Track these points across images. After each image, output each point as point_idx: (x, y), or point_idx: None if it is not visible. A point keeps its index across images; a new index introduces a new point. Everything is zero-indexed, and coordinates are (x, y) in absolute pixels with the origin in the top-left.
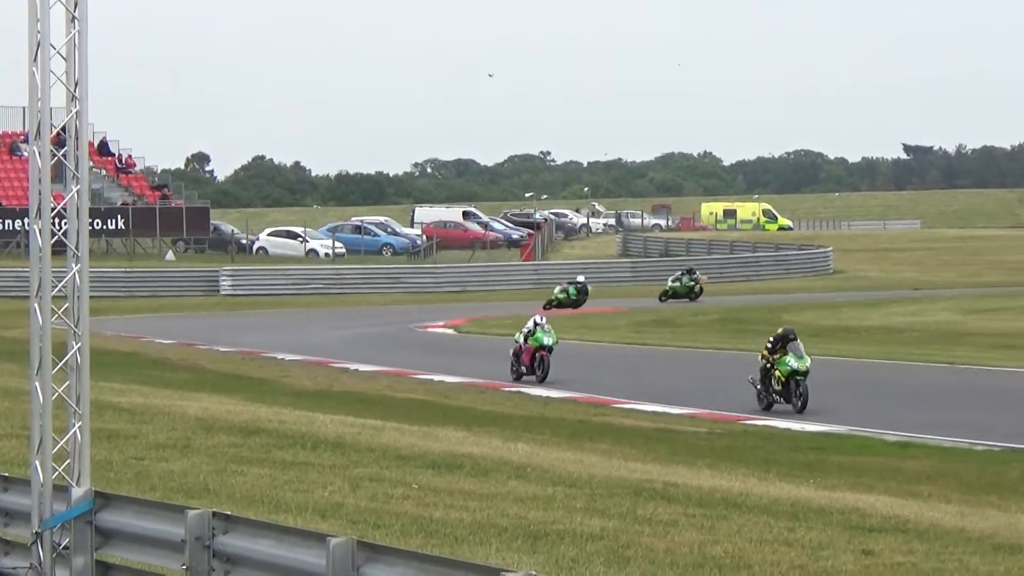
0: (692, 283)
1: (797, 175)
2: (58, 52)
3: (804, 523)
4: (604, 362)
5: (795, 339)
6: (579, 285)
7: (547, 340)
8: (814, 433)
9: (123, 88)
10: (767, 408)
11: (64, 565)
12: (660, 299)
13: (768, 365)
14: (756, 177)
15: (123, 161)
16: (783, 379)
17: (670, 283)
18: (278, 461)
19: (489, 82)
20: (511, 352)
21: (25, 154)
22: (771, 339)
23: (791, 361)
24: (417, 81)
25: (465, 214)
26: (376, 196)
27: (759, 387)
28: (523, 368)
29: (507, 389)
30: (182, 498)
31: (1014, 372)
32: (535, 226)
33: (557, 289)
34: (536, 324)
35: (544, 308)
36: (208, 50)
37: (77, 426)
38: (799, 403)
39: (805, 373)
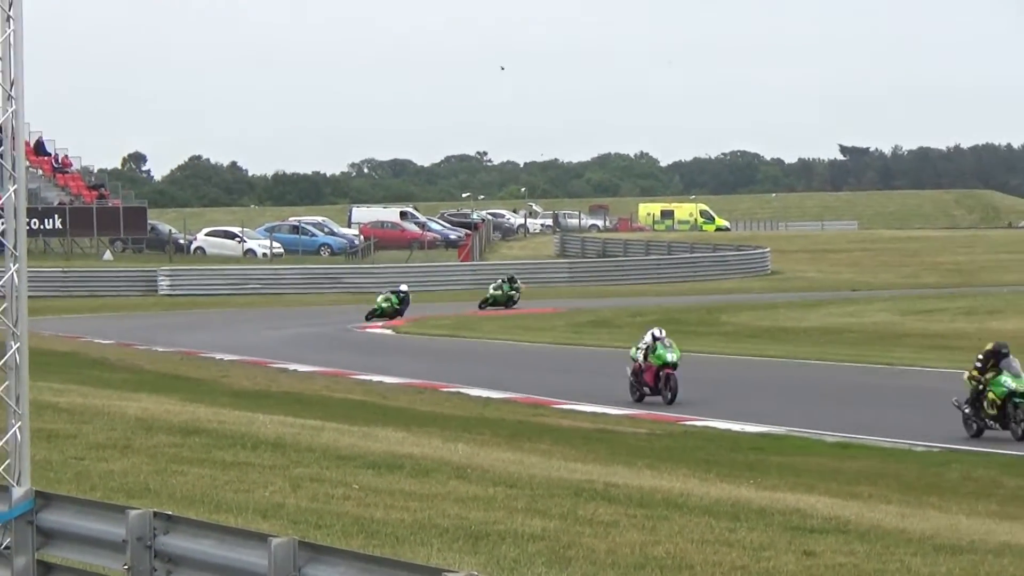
0: (513, 291)
1: (734, 176)
2: None
3: (745, 524)
4: (544, 362)
5: (1008, 354)
6: (401, 294)
7: (671, 356)
8: (753, 434)
9: (59, 88)
10: (977, 435)
11: (5, 565)
12: (480, 307)
13: (980, 387)
14: (693, 178)
15: (59, 161)
16: (998, 402)
17: (491, 291)
18: (218, 461)
19: (423, 82)
20: (629, 371)
21: None
22: (980, 356)
23: (1008, 381)
24: (353, 81)
25: (402, 214)
26: (313, 196)
27: (966, 410)
28: (646, 388)
29: (446, 389)
30: (123, 498)
31: (951, 373)
32: (472, 226)
33: (381, 298)
34: (655, 339)
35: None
36: (143, 49)
37: (17, 426)
38: (1021, 429)
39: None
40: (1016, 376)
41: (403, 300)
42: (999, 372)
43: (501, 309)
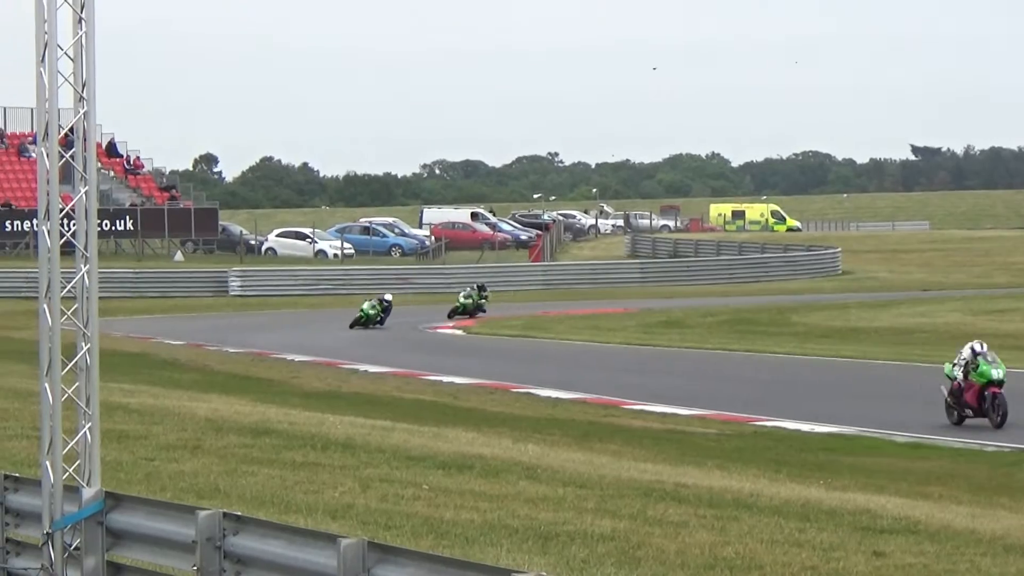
0: (482, 300)
1: (805, 176)
2: (65, 53)
3: (815, 524)
4: (614, 363)
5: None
6: (385, 303)
7: (996, 373)
8: (824, 434)
9: (131, 89)
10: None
11: (75, 566)
12: (449, 317)
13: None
14: (764, 178)
15: (131, 162)
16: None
17: (461, 299)
18: (288, 462)
19: (495, 83)
20: (945, 391)
21: (33, 155)
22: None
23: (988, 370)
24: (425, 82)
25: (473, 215)
26: (384, 197)
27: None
28: (968, 411)
29: (516, 390)
30: (193, 499)
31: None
32: (543, 227)
33: (367, 305)
34: (976, 353)
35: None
36: (215, 51)
37: (87, 427)
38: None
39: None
40: (994, 367)
41: (386, 309)
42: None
43: (466, 319)
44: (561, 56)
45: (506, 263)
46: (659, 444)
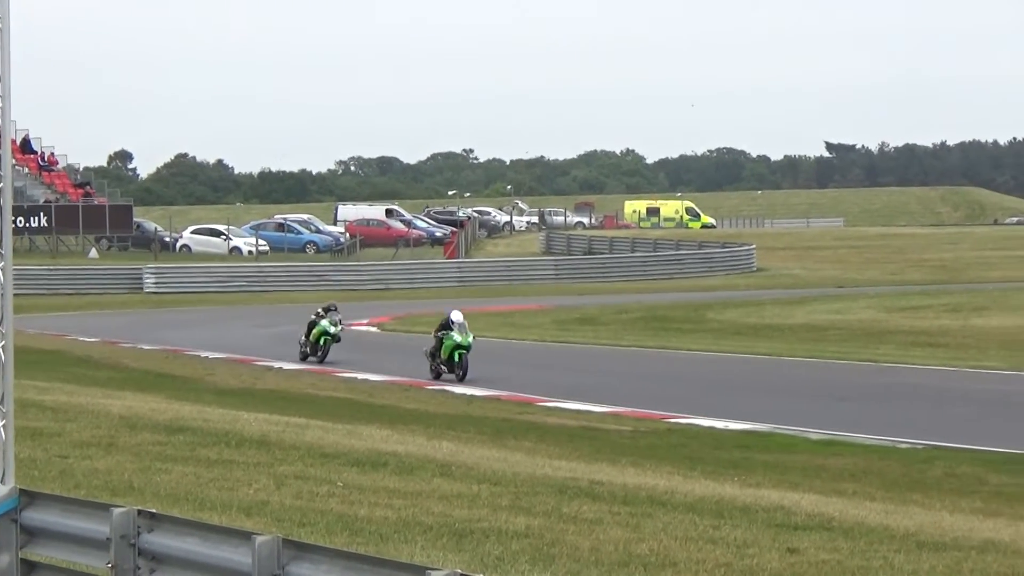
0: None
1: (720, 173)
2: None
3: (729, 521)
4: (528, 360)
5: (457, 322)
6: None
7: (461, 339)
8: (738, 431)
9: (45, 86)
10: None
11: None
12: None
13: (439, 342)
14: (679, 175)
15: (45, 159)
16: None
17: (326, 326)
18: (203, 459)
19: (410, 80)
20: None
21: None
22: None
23: (455, 336)
24: (340, 79)
25: (388, 212)
26: (299, 194)
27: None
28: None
29: (431, 387)
30: (107, 496)
31: (936, 370)
32: (458, 224)
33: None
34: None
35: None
36: (130, 47)
37: (1, 424)
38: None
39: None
40: (461, 334)
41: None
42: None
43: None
44: (477, 52)
45: (421, 260)
46: (573, 441)
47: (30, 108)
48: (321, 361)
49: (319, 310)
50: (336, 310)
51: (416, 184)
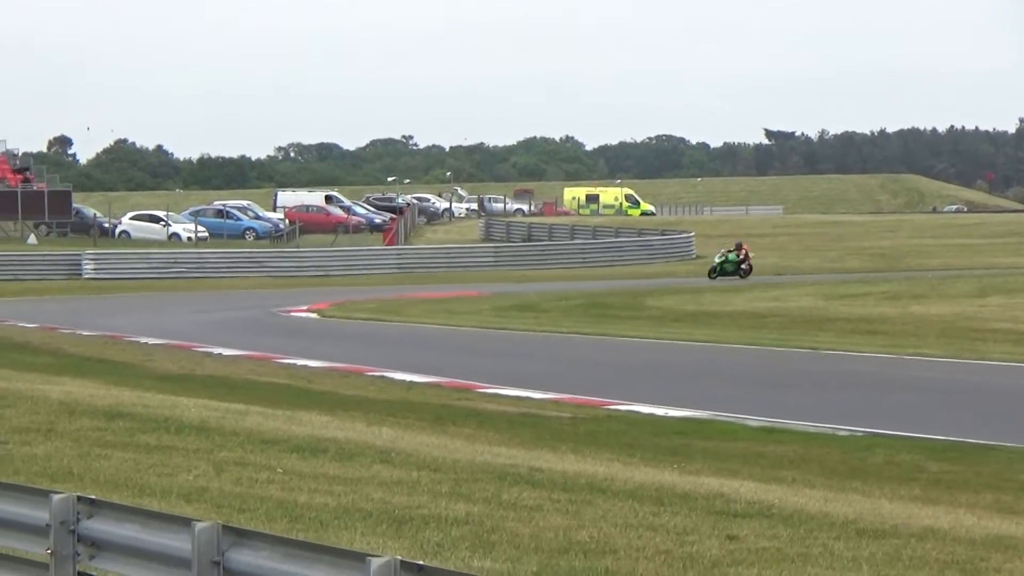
0: None
1: (659, 160)
2: None
3: (669, 508)
4: (469, 346)
5: None
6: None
7: None
8: (678, 418)
9: None
10: None
11: None
12: None
13: None
14: (618, 162)
15: None
16: None
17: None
18: (142, 445)
19: (345, 66)
20: None
21: None
22: None
23: None
24: (280, 64)
25: (327, 198)
26: (238, 180)
27: None
28: None
29: (370, 374)
30: (46, 482)
31: (876, 357)
32: (397, 211)
33: None
34: None
35: None
36: (69, 33)
37: None
38: None
39: None
40: None
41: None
42: None
43: None
44: (416, 39)
45: (360, 247)
46: (513, 428)
47: None
48: None
49: None
50: None
51: (355, 171)
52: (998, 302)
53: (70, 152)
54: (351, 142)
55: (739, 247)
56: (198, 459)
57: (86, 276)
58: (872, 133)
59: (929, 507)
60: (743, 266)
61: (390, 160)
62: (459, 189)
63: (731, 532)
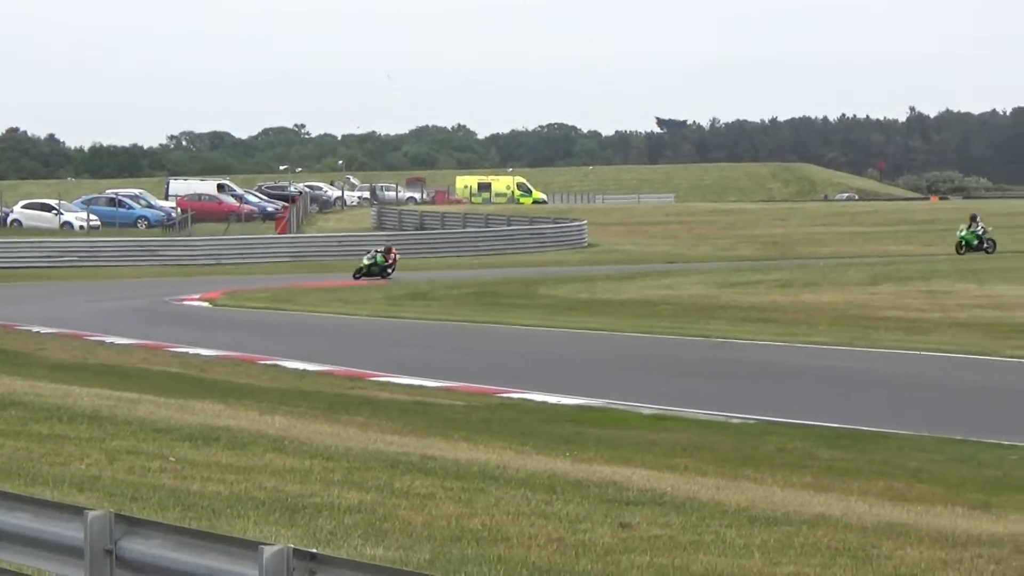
0: None
1: (551, 148)
2: None
3: (561, 496)
4: (361, 335)
5: None
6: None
7: None
8: (571, 407)
9: None
10: None
11: None
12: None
13: None
14: (510, 151)
15: None
16: None
17: None
18: (34, 434)
19: (242, 53)
20: None
21: None
22: None
23: None
24: (171, 52)
25: (220, 187)
26: (131, 169)
27: None
28: None
29: (263, 362)
30: None
31: (767, 345)
32: (290, 199)
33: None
34: None
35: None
36: None
37: None
38: None
39: None
40: None
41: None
42: None
43: None
44: (308, 26)
45: (252, 235)
46: (406, 416)
47: None
48: None
49: None
50: None
51: (248, 159)
52: (889, 290)
53: None
54: (243, 131)
55: (388, 251)
56: (90, 448)
57: None
58: (763, 122)
59: (821, 494)
60: (388, 269)
61: (282, 149)
62: (351, 177)
63: (623, 520)
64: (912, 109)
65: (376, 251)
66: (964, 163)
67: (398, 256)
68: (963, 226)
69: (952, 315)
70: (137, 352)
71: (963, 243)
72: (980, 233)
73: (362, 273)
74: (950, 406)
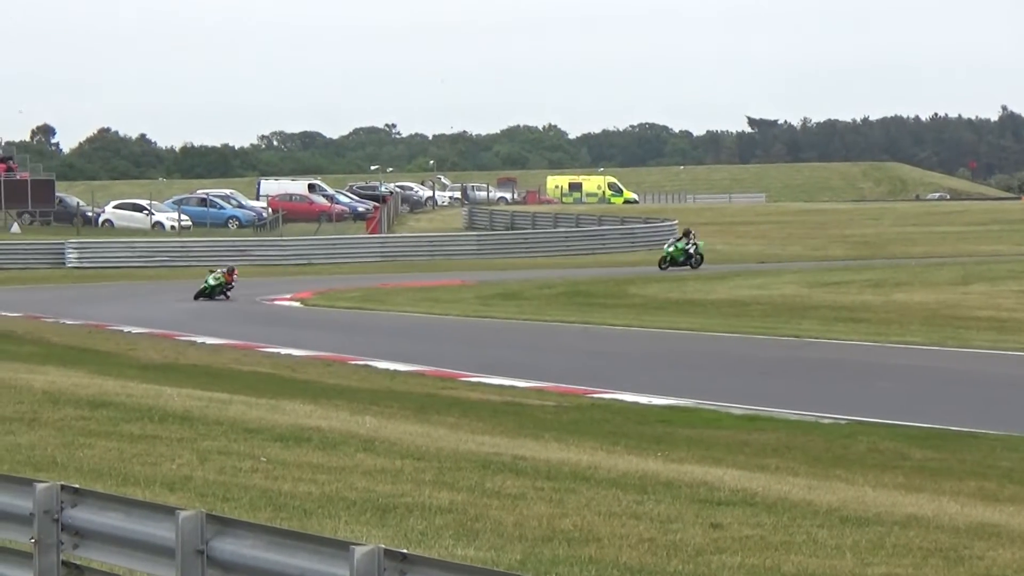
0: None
1: (642, 148)
2: None
3: (652, 496)
4: (452, 335)
5: None
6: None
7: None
8: (661, 407)
9: None
10: None
11: None
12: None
13: None
14: (601, 150)
15: None
16: None
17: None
18: (126, 434)
19: (333, 54)
20: None
21: None
22: None
23: None
24: (263, 52)
25: (311, 187)
26: (222, 169)
27: None
28: None
29: (353, 362)
30: (30, 471)
31: (859, 345)
32: (381, 199)
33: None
34: None
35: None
36: (52, 20)
37: None
38: None
39: None
40: None
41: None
42: None
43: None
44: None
45: (343, 235)
46: (497, 416)
47: None
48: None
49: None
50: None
51: (339, 159)
52: (981, 290)
53: (53, 141)
54: (334, 131)
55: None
56: (182, 448)
57: (69, 265)
58: (855, 121)
59: (912, 495)
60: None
61: (373, 149)
62: (442, 177)
63: (715, 520)
64: (1004, 108)
65: (221, 271)
66: None
67: (238, 277)
68: None
69: None
70: (228, 352)
71: None
72: None
73: (204, 294)
74: None
